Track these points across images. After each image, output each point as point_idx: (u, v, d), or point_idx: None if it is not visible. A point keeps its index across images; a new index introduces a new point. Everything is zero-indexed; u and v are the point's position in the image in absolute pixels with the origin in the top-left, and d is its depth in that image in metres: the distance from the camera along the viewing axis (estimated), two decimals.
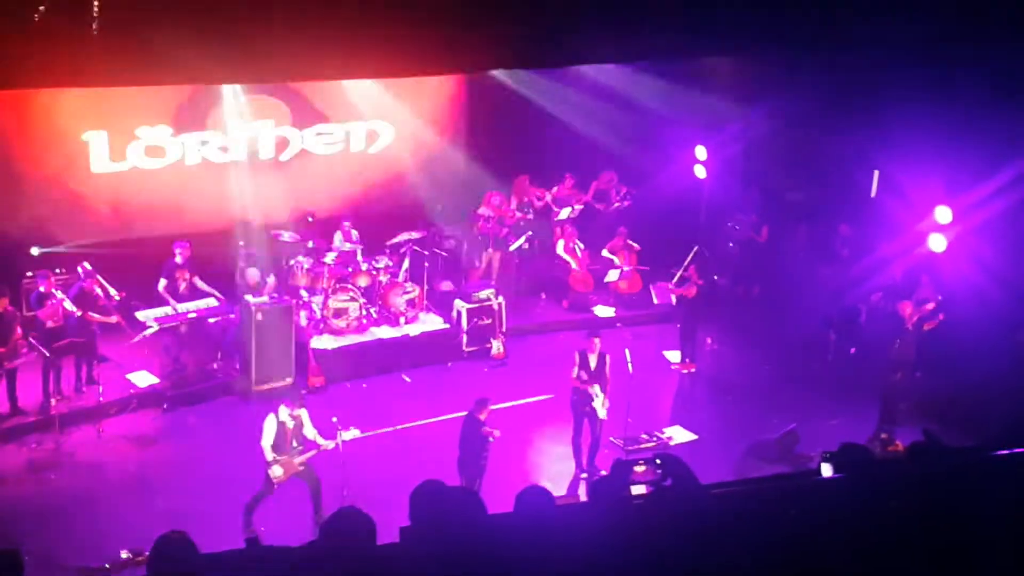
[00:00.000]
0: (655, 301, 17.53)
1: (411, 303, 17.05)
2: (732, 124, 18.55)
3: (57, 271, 15.21)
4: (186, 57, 13.21)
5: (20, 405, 14.13)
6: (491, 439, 12.24)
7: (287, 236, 17.09)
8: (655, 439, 14.25)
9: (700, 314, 16.65)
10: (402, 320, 16.86)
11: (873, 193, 18.03)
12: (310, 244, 17.03)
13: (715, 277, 17.76)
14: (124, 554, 11.10)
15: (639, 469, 4.41)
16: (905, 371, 14.53)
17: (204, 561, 4.76)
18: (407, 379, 15.75)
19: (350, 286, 16.65)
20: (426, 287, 17.48)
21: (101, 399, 14.49)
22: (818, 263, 18.29)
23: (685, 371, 16.59)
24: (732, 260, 19.26)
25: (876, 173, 17.89)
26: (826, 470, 5.91)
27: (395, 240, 17.57)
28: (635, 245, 18.74)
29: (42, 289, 14.40)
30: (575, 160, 19.78)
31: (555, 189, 19.60)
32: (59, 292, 14.39)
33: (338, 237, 17.43)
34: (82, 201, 16.71)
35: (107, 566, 11.00)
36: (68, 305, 14.29)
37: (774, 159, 18.33)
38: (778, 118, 17.94)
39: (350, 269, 16.95)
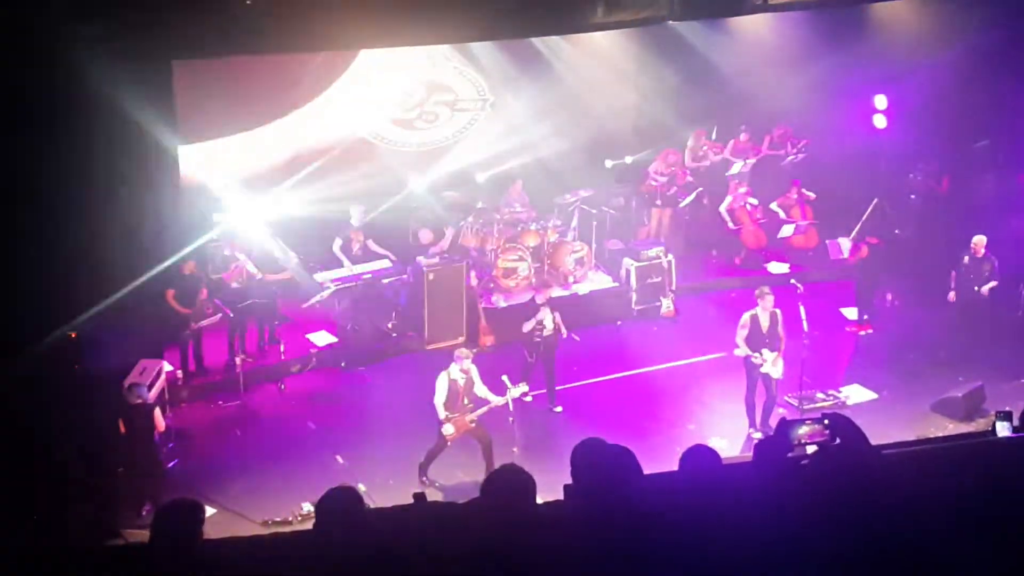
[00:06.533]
0: (833, 256, 16.96)
1: (579, 262, 17.01)
2: (914, 71, 17.69)
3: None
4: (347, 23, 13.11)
5: (206, 365, 14.75)
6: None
7: (457, 197, 17.20)
8: (832, 398, 13.89)
9: (877, 272, 16.05)
10: (571, 279, 16.84)
11: None
12: (479, 204, 17.14)
13: (896, 231, 17.03)
14: (306, 507, 11.54)
15: (805, 429, 4.24)
16: None
17: (368, 515, 4.86)
18: (576, 338, 15.71)
19: (519, 246, 16.71)
20: (594, 245, 17.40)
21: (283, 358, 15.03)
22: (1007, 213, 17.32)
23: (862, 333, 16.03)
24: (913, 212, 18.45)
25: None
26: (1002, 430, 5.62)
27: (564, 199, 17.50)
28: (810, 194, 18.15)
29: (227, 252, 14.98)
30: (750, 114, 19.22)
31: (731, 143, 19.17)
32: (242, 255, 14.91)
33: (507, 197, 17.48)
34: None
35: (290, 518, 11.46)
36: (250, 267, 14.81)
37: (959, 106, 17.39)
38: (964, 63, 17.02)
39: (519, 228, 17.00)
